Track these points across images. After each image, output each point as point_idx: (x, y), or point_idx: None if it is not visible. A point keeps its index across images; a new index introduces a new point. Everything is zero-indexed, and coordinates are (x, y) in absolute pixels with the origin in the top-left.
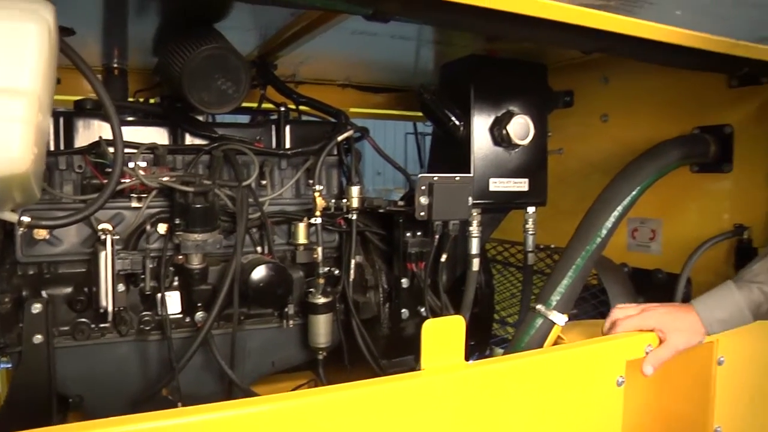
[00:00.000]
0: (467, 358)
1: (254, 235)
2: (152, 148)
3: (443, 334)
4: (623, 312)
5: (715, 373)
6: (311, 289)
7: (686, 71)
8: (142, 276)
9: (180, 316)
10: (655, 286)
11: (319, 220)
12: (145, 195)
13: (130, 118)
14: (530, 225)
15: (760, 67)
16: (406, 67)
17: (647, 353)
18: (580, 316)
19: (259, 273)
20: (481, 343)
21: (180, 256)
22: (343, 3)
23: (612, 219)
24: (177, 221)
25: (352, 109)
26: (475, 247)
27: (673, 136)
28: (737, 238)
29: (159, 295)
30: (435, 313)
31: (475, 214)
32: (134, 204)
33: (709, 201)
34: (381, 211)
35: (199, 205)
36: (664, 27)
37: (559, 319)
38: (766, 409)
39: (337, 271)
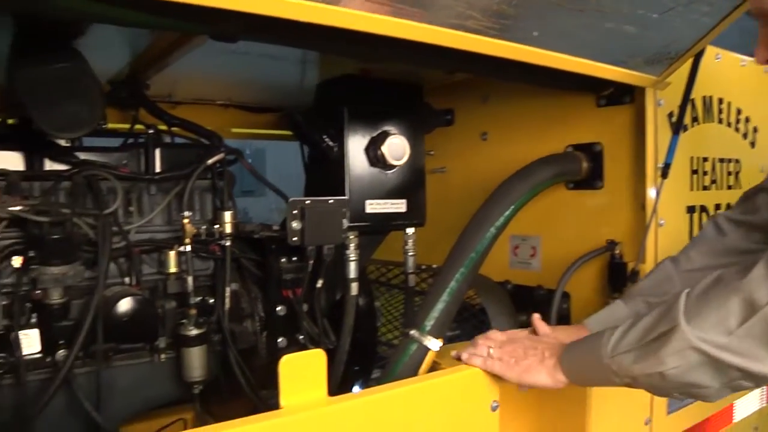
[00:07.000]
0: (350, 385)
1: (122, 265)
2: (2, 174)
3: (303, 370)
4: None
5: (591, 391)
6: (184, 320)
7: (559, 91)
8: None
9: (40, 356)
10: (536, 303)
11: (188, 248)
12: None
13: None
14: (410, 246)
15: (622, 87)
16: (285, 87)
17: None
18: (461, 337)
19: (121, 306)
20: (365, 368)
21: (37, 291)
22: (181, 23)
23: (485, 240)
24: (32, 254)
25: (236, 130)
26: (352, 271)
27: (547, 154)
28: (609, 253)
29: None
30: (314, 341)
31: (351, 237)
32: None
33: (584, 217)
34: (255, 236)
35: (55, 236)
36: (529, 48)
37: (434, 344)
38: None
39: (211, 300)
